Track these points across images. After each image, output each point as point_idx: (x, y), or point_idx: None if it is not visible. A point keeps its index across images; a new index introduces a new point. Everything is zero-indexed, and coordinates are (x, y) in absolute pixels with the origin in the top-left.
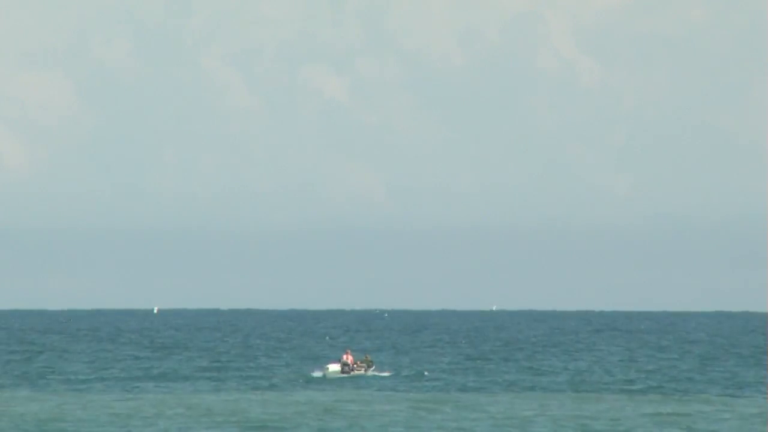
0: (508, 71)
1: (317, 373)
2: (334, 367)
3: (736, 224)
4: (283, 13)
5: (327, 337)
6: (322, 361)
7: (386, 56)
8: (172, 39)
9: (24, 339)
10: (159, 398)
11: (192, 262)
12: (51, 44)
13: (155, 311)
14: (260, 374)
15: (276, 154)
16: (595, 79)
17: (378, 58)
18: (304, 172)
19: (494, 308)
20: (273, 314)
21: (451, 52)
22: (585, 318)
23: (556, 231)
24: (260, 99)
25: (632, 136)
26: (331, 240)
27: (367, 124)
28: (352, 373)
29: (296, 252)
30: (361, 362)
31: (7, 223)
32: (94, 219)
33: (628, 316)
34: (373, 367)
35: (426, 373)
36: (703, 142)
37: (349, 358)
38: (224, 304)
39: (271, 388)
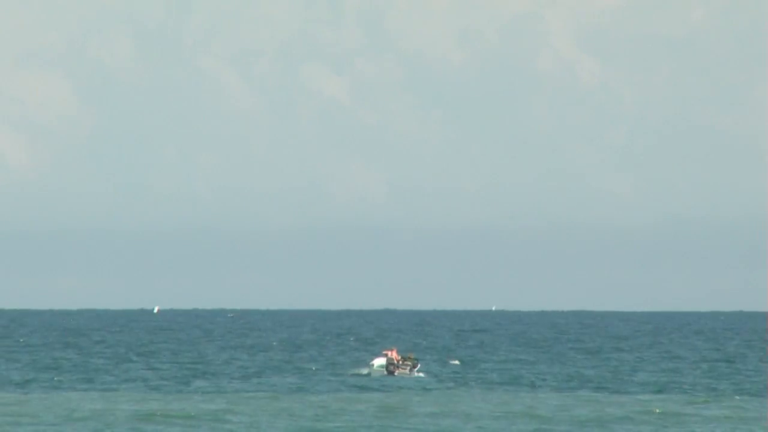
0: (507, 71)
1: (363, 370)
2: (379, 362)
3: (736, 224)
4: (283, 13)
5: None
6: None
7: (386, 56)
8: (172, 39)
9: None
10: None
11: (193, 262)
12: (51, 44)
13: (156, 311)
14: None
15: (276, 154)
16: (595, 79)
17: (378, 58)
18: (304, 172)
19: (494, 308)
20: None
21: (450, 53)
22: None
23: (557, 231)
24: (260, 99)
25: (632, 136)
26: (330, 240)
27: (367, 124)
28: (396, 372)
29: (296, 252)
30: (406, 360)
31: (6, 223)
32: (94, 219)
33: (628, 316)
34: (419, 366)
35: None
36: (703, 143)
37: (393, 354)
38: (224, 303)
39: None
